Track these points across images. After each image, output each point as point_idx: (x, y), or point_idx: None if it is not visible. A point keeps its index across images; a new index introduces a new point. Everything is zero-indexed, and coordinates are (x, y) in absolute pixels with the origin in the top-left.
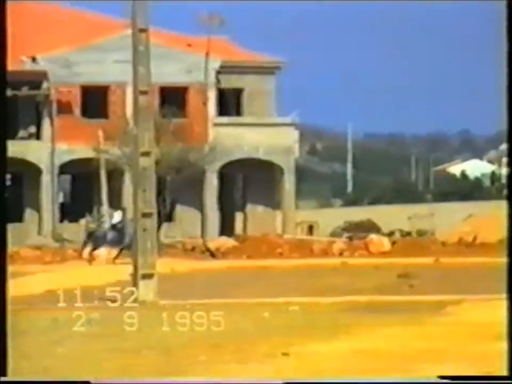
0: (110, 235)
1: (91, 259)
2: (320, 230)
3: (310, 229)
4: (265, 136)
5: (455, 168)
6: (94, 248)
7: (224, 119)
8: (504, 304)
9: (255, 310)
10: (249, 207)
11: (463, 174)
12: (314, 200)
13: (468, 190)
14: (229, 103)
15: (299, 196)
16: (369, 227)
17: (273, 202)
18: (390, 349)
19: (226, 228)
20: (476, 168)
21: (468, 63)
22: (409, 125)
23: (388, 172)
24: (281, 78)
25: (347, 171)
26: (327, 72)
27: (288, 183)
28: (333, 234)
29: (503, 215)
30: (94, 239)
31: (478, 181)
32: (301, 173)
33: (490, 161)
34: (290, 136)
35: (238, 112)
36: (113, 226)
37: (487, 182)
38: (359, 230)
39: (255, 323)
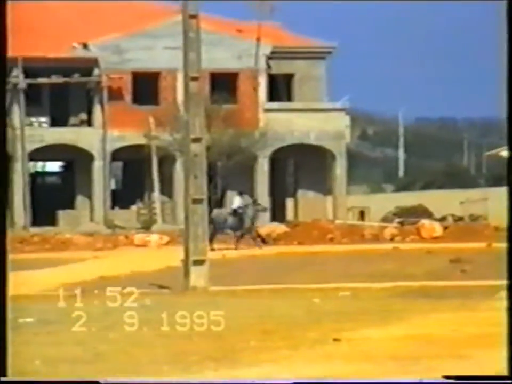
0: (230, 220)
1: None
2: (372, 215)
3: (361, 215)
4: (316, 121)
5: (508, 153)
6: (214, 233)
7: (275, 105)
8: None
9: (305, 296)
10: (300, 192)
11: None
12: (366, 185)
13: None
14: (280, 88)
15: (350, 181)
16: (421, 212)
17: (325, 188)
18: (443, 335)
19: (277, 214)
20: None
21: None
22: (462, 109)
23: (440, 157)
24: (332, 63)
25: (398, 156)
26: (377, 57)
27: (339, 168)
28: (384, 219)
29: None
30: (215, 224)
31: None
32: (352, 158)
33: None
34: (341, 121)
35: (289, 98)
36: (234, 212)
37: None
38: (411, 215)
39: (305, 309)
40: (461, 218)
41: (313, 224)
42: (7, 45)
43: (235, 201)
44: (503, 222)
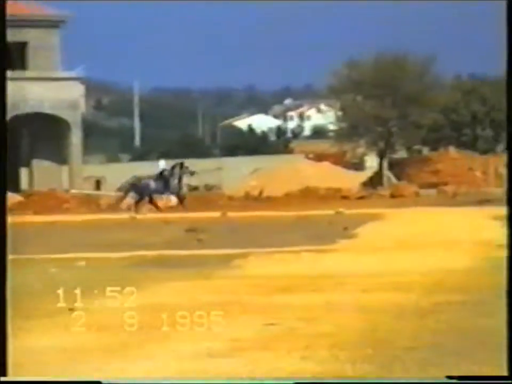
0: (153, 184)
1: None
2: (108, 185)
3: (98, 184)
4: (50, 90)
5: (242, 123)
6: (140, 199)
7: (8, 73)
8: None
9: (41, 266)
10: (35, 162)
11: (250, 129)
12: (102, 155)
13: (254, 144)
14: (13, 57)
15: (86, 151)
16: None
17: (60, 157)
18: (179, 303)
19: (11, 184)
20: (261, 122)
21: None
22: (197, 79)
23: (176, 127)
24: (68, 32)
25: (134, 126)
26: (115, 27)
27: (75, 137)
28: (121, 189)
29: (288, 169)
30: (139, 190)
31: (264, 135)
32: (88, 128)
33: (275, 116)
34: (76, 91)
35: (23, 66)
36: (159, 175)
37: (272, 137)
38: None
39: (41, 279)
40: (196, 188)
41: (49, 194)
42: (6, 44)
43: (160, 164)
44: (237, 192)
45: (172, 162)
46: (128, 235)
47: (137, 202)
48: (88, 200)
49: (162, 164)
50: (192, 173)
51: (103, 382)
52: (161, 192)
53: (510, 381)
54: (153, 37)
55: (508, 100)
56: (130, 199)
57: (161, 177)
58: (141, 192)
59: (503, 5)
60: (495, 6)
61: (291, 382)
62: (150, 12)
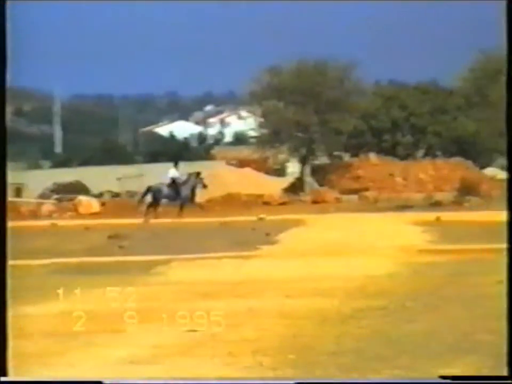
0: (165, 190)
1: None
2: (29, 192)
3: (18, 191)
4: None
5: (163, 129)
6: (154, 203)
7: None
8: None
9: None
10: None
11: (171, 135)
12: (23, 162)
13: (176, 151)
14: None
15: (7, 158)
16: (78, 188)
17: None
18: (103, 310)
19: None
20: (183, 129)
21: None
22: (118, 86)
23: (98, 133)
24: None
25: (55, 132)
26: (35, 32)
27: None
28: (42, 196)
29: (210, 175)
30: (152, 195)
31: (185, 141)
32: (8, 135)
33: (197, 122)
34: None
35: None
36: (172, 182)
37: (194, 143)
38: (68, 192)
39: None
40: (118, 194)
41: None
42: (6, 47)
43: (170, 172)
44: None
45: (183, 170)
46: (49, 242)
47: (150, 206)
48: (9, 207)
49: (173, 172)
50: (205, 186)
51: (104, 382)
52: (173, 199)
53: (510, 381)
54: (74, 43)
55: (507, 102)
56: (49, 205)
57: (173, 184)
58: (155, 196)
59: (503, 5)
60: (416, 12)
61: (292, 383)
62: (70, 15)
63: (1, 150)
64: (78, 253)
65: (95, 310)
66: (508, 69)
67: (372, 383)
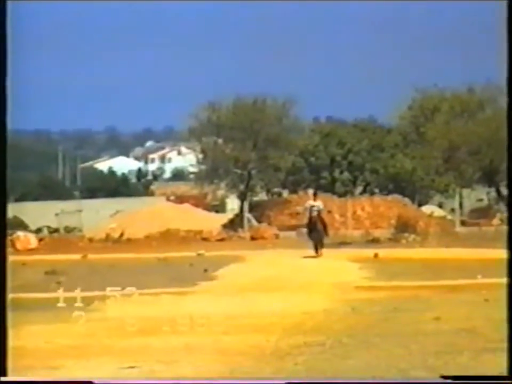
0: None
1: None
2: None
3: None
4: None
5: (103, 165)
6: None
7: None
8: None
9: None
10: None
11: (110, 171)
12: None
13: (115, 186)
14: None
15: None
16: (16, 224)
17: None
18: (36, 346)
19: None
20: (122, 164)
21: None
22: (56, 121)
23: (36, 168)
24: None
25: None
26: None
27: None
28: None
29: (149, 211)
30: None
31: (124, 177)
32: None
33: (136, 158)
34: None
35: None
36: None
37: (133, 179)
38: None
39: None
40: (56, 230)
41: None
42: (6, 47)
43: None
44: (98, 234)
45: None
46: None
47: None
48: None
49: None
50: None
51: (95, 382)
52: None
53: (510, 381)
54: (10, 78)
55: (508, 103)
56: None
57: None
58: None
59: (504, 5)
60: (356, 49)
61: (283, 382)
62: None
63: None
64: (14, 289)
65: (26, 346)
66: (508, 72)
67: (372, 383)
